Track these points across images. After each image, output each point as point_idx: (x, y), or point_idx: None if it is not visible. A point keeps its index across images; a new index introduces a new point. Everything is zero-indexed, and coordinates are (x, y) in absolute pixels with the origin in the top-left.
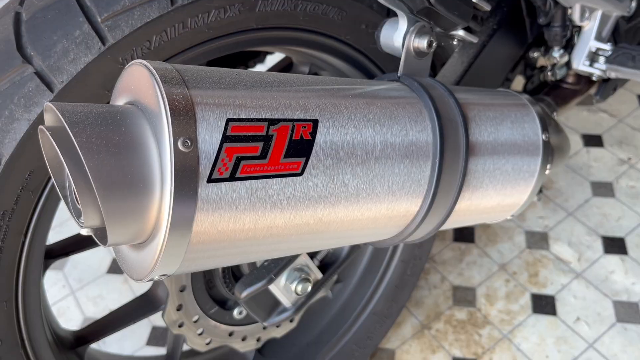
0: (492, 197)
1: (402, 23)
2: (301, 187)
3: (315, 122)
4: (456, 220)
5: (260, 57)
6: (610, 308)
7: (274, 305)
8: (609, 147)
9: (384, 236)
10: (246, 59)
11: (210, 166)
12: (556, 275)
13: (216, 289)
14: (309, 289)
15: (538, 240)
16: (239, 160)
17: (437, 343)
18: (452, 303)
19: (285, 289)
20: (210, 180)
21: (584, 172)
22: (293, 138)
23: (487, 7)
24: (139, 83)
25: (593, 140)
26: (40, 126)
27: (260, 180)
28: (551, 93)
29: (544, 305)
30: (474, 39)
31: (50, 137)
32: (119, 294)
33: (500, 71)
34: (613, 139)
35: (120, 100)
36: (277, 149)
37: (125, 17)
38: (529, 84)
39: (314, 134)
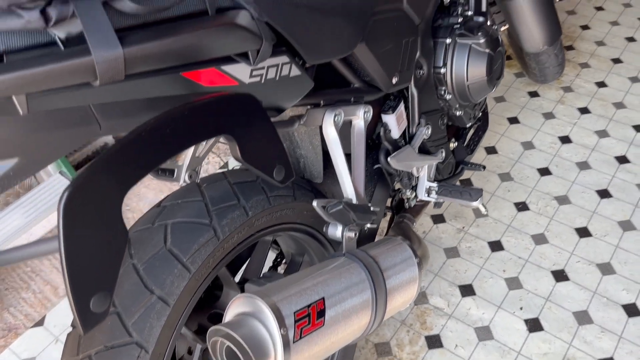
0: (400, 299)
1: (340, 225)
2: (325, 330)
3: (323, 299)
4: (387, 315)
5: None
6: (473, 333)
7: None
8: (449, 222)
9: (360, 334)
10: None
11: (293, 336)
12: (437, 319)
13: None
14: None
15: (420, 298)
16: (301, 329)
17: None
18: (377, 356)
19: None
20: (294, 341)
21: (437, 243)
22: (317, 310)
23: (381, 211)
24: (249, 304)
25: (439, 219)
26: (214, 338)
27: (310, 334)
28: (409, 210)
29: (434, 342)
30: (374, 225)
31: (229, 343)
32: None
33: (382, 210)
34: (450, 215)
35: (232, 314)
36: (312, 317)
37: (197, 254)
38: (394, 201)
39: (324, 304)
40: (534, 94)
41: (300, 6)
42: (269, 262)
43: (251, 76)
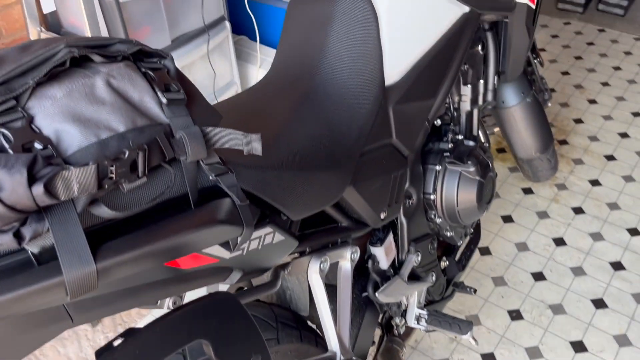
0: None
1: None
2: None
3: None
4: None
5: None
6: None
7: None
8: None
9: None
10: None
11: None
12: None
13: None
14: None
15: None
16: None
17: None
18: None
19: None
20: None
21: (429, 354)
22: None
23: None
24: None
25: None
26: None
27: None
28: (398, 335)
29: None
30: None
31: None
32: None
33: (371, 339)
34: None
35: None
36: None
37: None
38: (384, 319)
39: None
40: (528, 191)
41: (287, 170)
42: None
43: (233, 252)
